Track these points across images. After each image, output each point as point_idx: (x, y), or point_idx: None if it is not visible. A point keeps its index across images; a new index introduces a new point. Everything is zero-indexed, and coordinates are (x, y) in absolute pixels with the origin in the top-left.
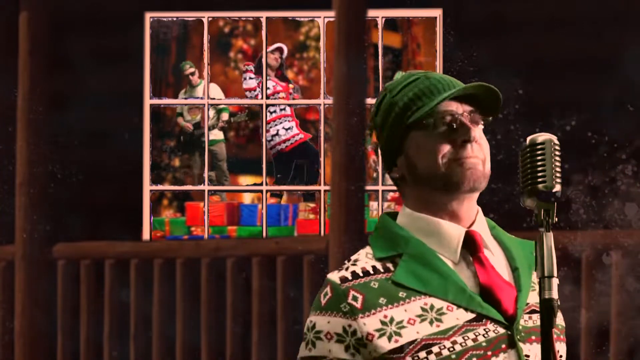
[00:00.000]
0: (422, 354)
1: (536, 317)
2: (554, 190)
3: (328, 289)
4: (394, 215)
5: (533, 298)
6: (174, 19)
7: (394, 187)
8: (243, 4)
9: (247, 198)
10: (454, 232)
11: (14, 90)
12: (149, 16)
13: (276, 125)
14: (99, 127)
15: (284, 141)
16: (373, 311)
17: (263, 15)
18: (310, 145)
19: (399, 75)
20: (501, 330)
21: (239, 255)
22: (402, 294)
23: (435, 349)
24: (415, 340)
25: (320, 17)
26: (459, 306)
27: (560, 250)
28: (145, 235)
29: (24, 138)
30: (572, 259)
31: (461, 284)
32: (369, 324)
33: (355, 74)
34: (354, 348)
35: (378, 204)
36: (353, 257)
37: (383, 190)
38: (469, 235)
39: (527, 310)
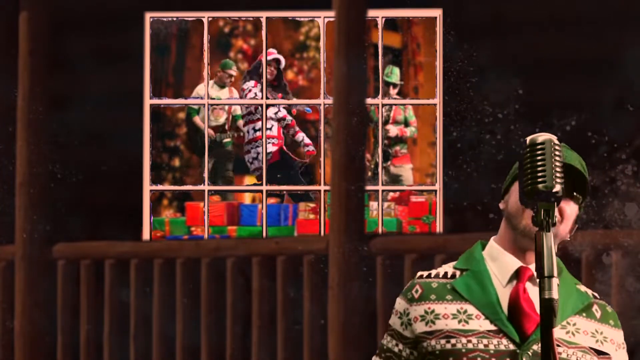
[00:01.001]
0: (443, 341)
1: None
2: (554, 190)
3: (410, 282)
4: (486, 242)
5: (558, 334)
6: (174, 19)
7: (394, 187)
8: (243, 4)
9: (247, 198)
10: (511, 263)
11: (14, 90)
12: (149, 16)
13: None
14: (99, 127)
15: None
16: (423, 302)
17: (263, 15)
18: (284, 156)
19: (391, 71)
20: (512, 347)
21: (239, 255)
22: (449, 296)
23: (453, 340)
24: (442, 329)
25: (320, 17)
26: (486, 317)
27: (560, 250)
28: (145, 235)
29: (24, 138)
30: (572, 259)
31: (495, 301)
32: (417, 310)
33: (355, 74)
34: (405, 324)
35: (378, 204)
36: (445, 265)
37: (383, 190)
38: (521, 269)
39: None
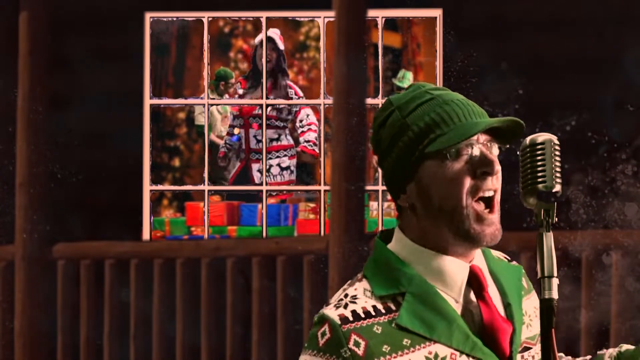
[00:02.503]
0: None
1: (527, 355)
2: (554, 190)
3: (326, 327)
4: (387, 236)
5: (524, 334)
6: (174, 19)
7: None
8: (243, 4)
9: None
10: (459, 270)
11: (14, 90)
12: (149, 16)
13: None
14: (99, 127)
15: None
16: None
17: (263, 15)
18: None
19: (403, 76)
20: None
21: (239, 255)
22: (406, 341)
23: None
24: None
25: (320, 17)
26: (462, 352)
27: (560, 250)
28: (145, 235)
29: (24, 138)
30: (572, 259)
31: (465, 329)
32: None
33: (355, 74)
34: None
35: (378, 204)
36: (350, 292)
37: (383, 190)
38: (472, 272)
39: (521, 349)
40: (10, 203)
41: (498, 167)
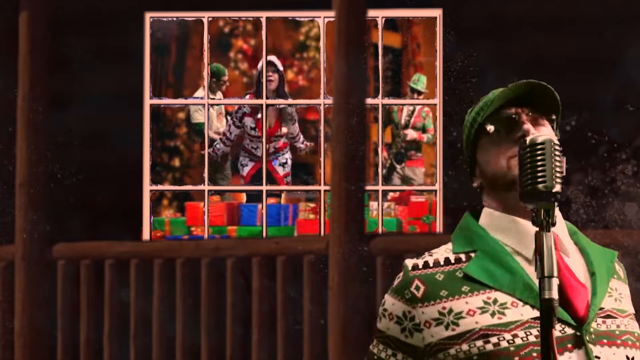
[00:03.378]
0: (480, 343)
1: (610, 322)
2: (554, 190)
3: (402, 273)
4: (476, 214)
5: (609, 304)
6: (174, 19)
7: (394, 187)
8: (243, 4)
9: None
10: (524, 229)
11: (14, 90)
12: (149, 16)
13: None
14: (99, 127)
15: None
16: (432, 302)
17: (263, 15)
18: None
19: (418, 79)
20: (569, 331)
21: (239, 255)
22: (465, 288)
23: (493, 339)
24: (473, 329)
25: (320, 17)
26: (525, 303)
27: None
28: (145, 235)
29: (24, 138)
30: None
31: (529, 282)
32: (427, 313)
33: (355, 74)
34: (409, 331)
35: (378, 204)
36: (434, 250)
37: (383, 190)
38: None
39: (602, 315)
40: (10, 203)
41: (532, 130)
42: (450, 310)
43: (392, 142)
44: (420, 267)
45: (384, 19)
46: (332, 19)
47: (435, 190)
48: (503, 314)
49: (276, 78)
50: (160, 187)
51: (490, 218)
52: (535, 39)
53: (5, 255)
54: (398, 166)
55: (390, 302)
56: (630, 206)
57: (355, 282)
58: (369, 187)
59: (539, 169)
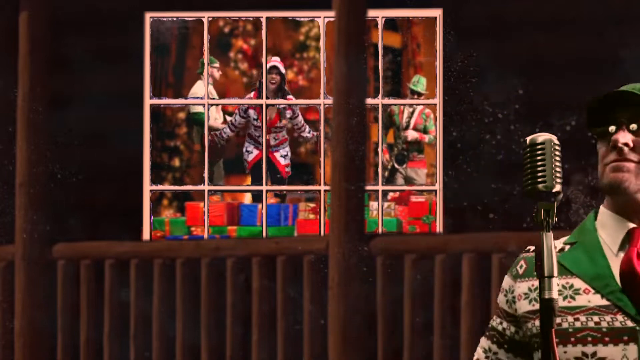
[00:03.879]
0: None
1: None
2: (554, 190)
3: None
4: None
5: None
6: (174, 19)
7: (394, 187)
8: (243, 4)
9: (247, 198)
10: (621, 227)
11: (14, 90)
12: (149, 16)
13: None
14: (99, 127)
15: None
16: (527, 279)
17: (263, 15)
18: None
19: (418, 81)
20: (629, 324)
21: (239, 255)
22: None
23: (558, 319)
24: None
25: (320, 17)
26: (597, 291)
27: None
28: (145, 235)
29: (24, 138)
30: None
31: (606, 274)
32: (521, 287)
33: (355, 74)
34: (510, 302)
35: (378, 204)
36: (559, 240)
37: (383, 190)
38: (632, 230)
39: None
40: (10, 203)
41: (624, 140)
42: (536, 289)
43: (393, 143)
44: (532, 250)
45: (384, 19)
46: (332, 19)
47: (435, 190)
48: (574, 298)
49: (278, 80)
50: (160, 187)
51: (601, 216)
52: (535, 39)
53: (5, 255)
54: (399, 167)
55: (505, 279)
56: None
57: (355, 282)
58: (369, 187)
59: (539, 169)
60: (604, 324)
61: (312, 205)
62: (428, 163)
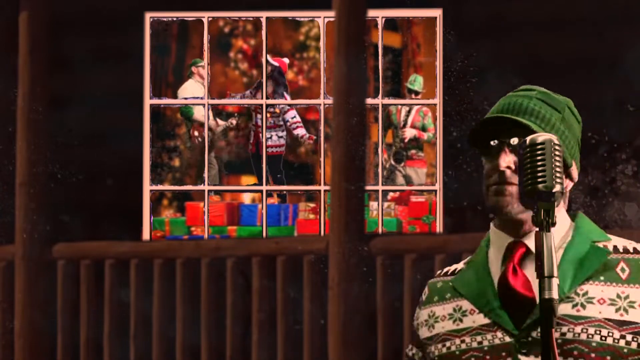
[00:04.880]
0: (440, 345)
1: (556, 329)
2: (554, 190)
3: None
4: None
5: (563, 310)
6: (174, 19)
7: (394, 187)
8: (243, 4)
9: (247, 198)
10: (502, 242)
11: (14, 90)
12: (149, 16)
13: (271, 131)
14: (99, 127)
15: (276, 146)
16: (427, 306)
17: (263, 15)
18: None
19: (415, 79)
20: (507, 339)
21: (239, 255)
22: (448, 295)
23: (448, 343)
24: (439, 333)
25: (320, 17)
26: (480, 311)
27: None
28: (145, 235)
29: (24, 138)
30: None
31: (488, 292)
32: (423, 314)
33: (355, 74)
34: (416, 327)
35: (378, 204)
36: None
37: (383, 190)
38: (510, 245)
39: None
40: (10, 203)
41: (505, 163)
42: (434, 314)
43: (392, 142)
44: (437, 275)
45: (384, 19)
46: (332, 19)
47: (435, 190)
48: (461, 320)
49: (269, 70)
50: (160, 187)
51: (490, 233)
52: (535, 39)
53: (5, 255)
54: (398, 166)
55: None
56: (630, 206)
57: (355, 282)
58: (369, 187)
59: (539, 169)
60: (485, 343)
61: (312, 205)
62: (428, 162)
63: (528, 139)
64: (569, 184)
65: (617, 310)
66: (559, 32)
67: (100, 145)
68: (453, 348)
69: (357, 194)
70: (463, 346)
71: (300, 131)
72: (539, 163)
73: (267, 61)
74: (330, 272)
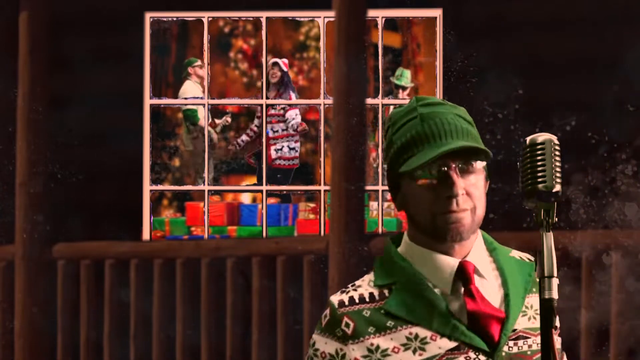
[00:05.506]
0: None
1: (522, 343)
2: (554, 190)
3: (328, 311)
4: (399, 239)
5: (522, 324)
6: (174, 19)
7: None
8: (243, 4)
9: (247, 198)
10: (447, 264)
11: (14, 90)
12: (149, 16)
13: (282, 142)
14: (99, 127)
15: (287, 159)
16: (362, 339)
17: (263, 15)
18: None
19: (401, 74)
20: (482, 358)
21: (239, 255)
22: (390, 323)
23: None
24: None
25: (320, 17)
26: (442, 335)
27: (560, 250)
28: (145, 235)
29: (24, 138)
30: (572, 259)
31: (446, 314)
32: (357, 349)
33: (355, 74)
34: None
35: (378, 204)
36: (357, 282)
37: (383, 190)
38: (462, 266)
39: (513, 337)
40: (10, 203)
41: (461, 186)
42: (377, 347)
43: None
44: (347, 303)
45: (384, 19)
46: (332, 19)
47: None
48: (424, 349)
49: (279, 75)
50: (160, 187)
51: (408, 248)
52: (535, 39)
53: (5, 255)
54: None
55: (322, 342)
56: (630, 206)
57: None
58: (369, 187)
59: (539, 169)
60: None
61: (312, 205)
62: None
63: (528, 139)
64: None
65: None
66: (559, 32)
67: (100, 145)
68: None
69: (357, 194)
70: None
71: (293, 121)
72: (539, 163)
73: (277, 65)
74: (330, 272)
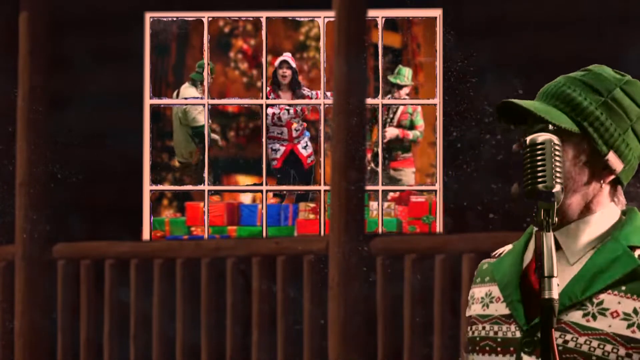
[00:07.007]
0: (469, 328)
1: (558, 336)
2: (554, 190)
3: None
4: None
5: (573, 317)
6: (174, 19)
7: (394, 187)
8: (243, 4)
9: (246, 198)
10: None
11: (14, 90)
12: (149, 16)
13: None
14: (99, 127)
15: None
16: (473, 286)
17: (263, 15)
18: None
19: (399, 72)
20: (518, 335)
21: (239, 255)
22: (487, 278)
23: (473, 327)
24: (471, 315)
25: (320, 17)
26: (504, 300)
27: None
28: (145, 235)
29: (24, 138)
30: None
31: (513, 281)
32: (470, 294)
33: (355, 74)
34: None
35: (378, 204)
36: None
37: (383, 190)
38: (538, 236)
39: (556, 326)
40: (10, 203)
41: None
42: (473, 295)
43: (374, 142)
44: (494, 255)
45: (384, 19)
46: (332, 19)
47: (435, 190)
48: (488, 306)
49: (289, 74)
50: (160, 187)
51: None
52: (535, 39)
53: (5, 255)
54: (376, 168)
55: None
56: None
57: (355, 282)
58: (369, 187)
59: (539, 168)
60: (500, 334)
61: (312, 205)
62: (420, 162)
63: (528, 139)
64: (608, 177)
65: (628, 327)
66: (559, 32)
67: (100, 145)
68: (475, 334)
69: (357, 194)
70: (483, 333)
71: (286, 117)
72: (539, 163)
73: (286, 62)
74: (330, 272)
